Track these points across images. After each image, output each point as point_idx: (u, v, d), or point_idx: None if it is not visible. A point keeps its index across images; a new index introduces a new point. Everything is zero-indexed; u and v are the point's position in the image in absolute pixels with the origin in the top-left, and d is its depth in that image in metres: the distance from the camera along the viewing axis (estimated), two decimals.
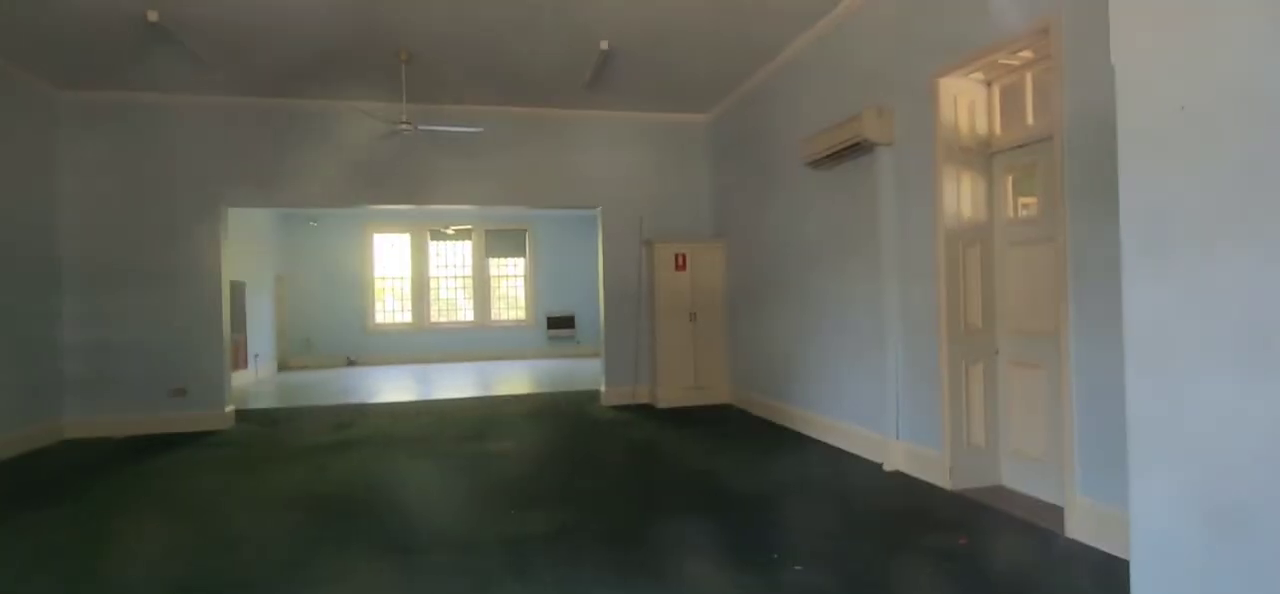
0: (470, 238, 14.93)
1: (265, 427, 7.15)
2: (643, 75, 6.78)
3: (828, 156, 5.27)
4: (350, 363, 13.92)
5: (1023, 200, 4.19)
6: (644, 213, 8.15)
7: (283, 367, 13.26)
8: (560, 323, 14.96)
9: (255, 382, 11.32)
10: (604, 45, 5.84)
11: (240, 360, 10.70)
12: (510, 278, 15.21)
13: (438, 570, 3.20)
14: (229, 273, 7.32)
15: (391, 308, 14.68)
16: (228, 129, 7.14)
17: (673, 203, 8.26)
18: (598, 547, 3.46)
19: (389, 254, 14.68)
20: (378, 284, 14.58)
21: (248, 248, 11.13)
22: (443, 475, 5.09)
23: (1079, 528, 3.36)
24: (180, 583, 3.14)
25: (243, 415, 7.68)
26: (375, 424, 7.12)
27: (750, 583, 2.97)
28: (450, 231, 14.77)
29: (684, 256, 7.85)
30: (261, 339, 11.95)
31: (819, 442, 5.67)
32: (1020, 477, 4.13)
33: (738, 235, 7.62)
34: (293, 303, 13.73)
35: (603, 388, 8.13)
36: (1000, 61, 4.01)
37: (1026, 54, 3.89)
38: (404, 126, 6.32)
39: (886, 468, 4.76)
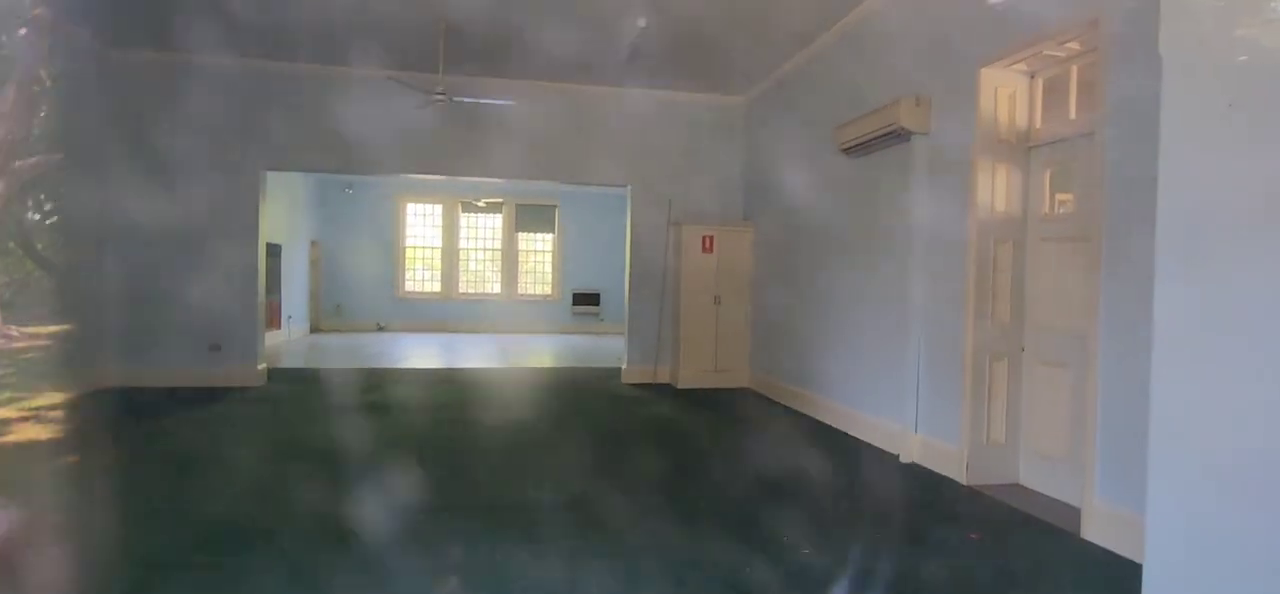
0: (500, 211, 15.04)
1: (296, 385, 7.34)
2: (679, 55, 6.74)
3: (862, 144, 5.20)
4: (380, 328, 14.18)
5: (1060, 196, 4.10)
6: (673, 194, 8.13)
7: (314, 329, 13.56)
8: (585, 299, 15.03)
9: (287, 342, 11.60)
10: (642, 22, 5.82)
11: (274, 321, 10.96)
12: (538, 253, 15.30)
13: (456, 531, 3.28)
14: (266, 235, 7.49)
15: (421, 276, 14.89)
16: (269, 93, 7.28)
17: (702, 184, 8.22)
18: (609, 518, 3.52)
19: (421, 224, 14.87)
20: (409, 253, 14.79)
21: (285, 211, 11.35)
22: (464, 441, 5.19)
23: (1094, 530, 3.32)
24: (217, 520, 3.28)
25: (275, 374, 7.89)
26: (402, 389, 7.27)
27: (758, 564, 2.99)
28: (481, 204, 14.89)
29: (711, 239, 7.83)
30: (295, 301, 12.22)
31: (836, 430, 5.65)
32: (1038, 475, 4.08)
33: (767, 219, 7.58)
34: (326, 267, 14.00)
35: (624, 365, 8.19)
36: (1046, 52, 3.91)
37: (1073, 45, 3.79)
38: (439, 97, 6.37)
39: (903, 460, 4.74)
